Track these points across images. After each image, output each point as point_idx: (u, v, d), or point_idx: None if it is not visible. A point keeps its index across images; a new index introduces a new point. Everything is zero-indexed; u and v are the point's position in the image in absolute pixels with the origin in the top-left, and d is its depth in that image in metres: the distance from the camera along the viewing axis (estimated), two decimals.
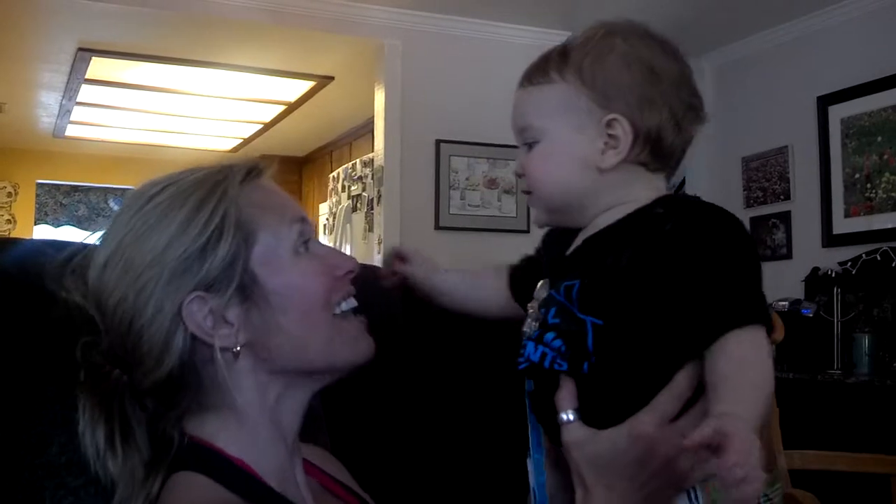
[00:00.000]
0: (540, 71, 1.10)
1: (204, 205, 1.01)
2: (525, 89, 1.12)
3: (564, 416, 1.01)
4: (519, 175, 1.14)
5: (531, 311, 1.11)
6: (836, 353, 4.34)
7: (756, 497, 0.82)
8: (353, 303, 1.11)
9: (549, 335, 1.04)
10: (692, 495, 0.98)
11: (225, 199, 1.02)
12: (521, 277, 1.25)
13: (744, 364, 0.91)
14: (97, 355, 1.03)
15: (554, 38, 5.18)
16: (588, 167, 1.07)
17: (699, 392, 0.97)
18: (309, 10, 4.74)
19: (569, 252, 1.09)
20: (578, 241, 1.10)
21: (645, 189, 1.08)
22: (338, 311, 1.08)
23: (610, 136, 1.06)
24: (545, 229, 1.20)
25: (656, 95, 1.06)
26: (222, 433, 1.02)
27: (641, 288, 0.98)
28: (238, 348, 1.02)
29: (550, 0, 4.77)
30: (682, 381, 0.98)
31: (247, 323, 1.02)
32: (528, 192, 1.13)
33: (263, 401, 1.04)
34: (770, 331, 0.96)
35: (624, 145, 1.05)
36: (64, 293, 1.03)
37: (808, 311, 4.33)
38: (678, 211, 1.03)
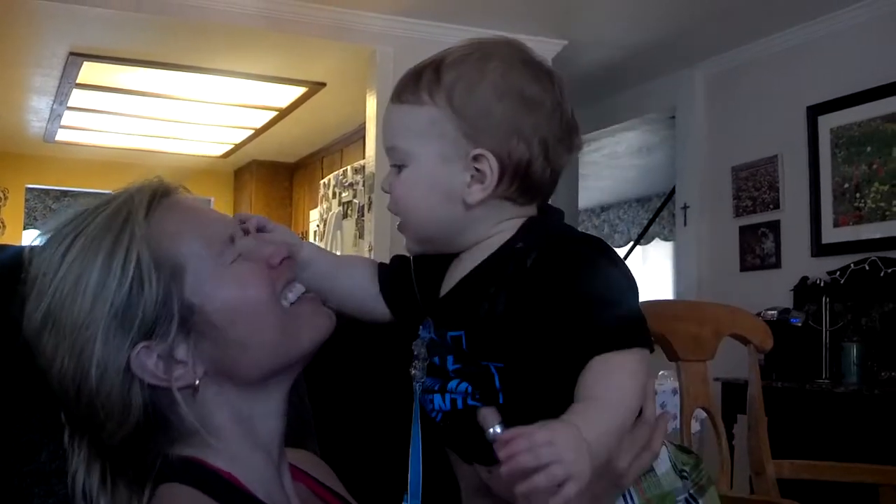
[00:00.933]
0: (411, 88, 1.05)
1: (115, 252, 0.97)
2: (395, 106, 1.07)
3: (492, 431, 0.98)
4: (385, 192, 1.09)
5: (416, 351, 1.09)
6: (825, 362, 4.35)
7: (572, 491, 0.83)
8: (299, 289, 1.09)
9: (453, 383, 1.04)
10: (627, 496, 1.00)
11: (134, 242, 0.98)
12: (391, 279, 1.20)
13: (599, 384, 0.92)
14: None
15: (546, 46, 5.21)
16: (453, 200, 1.04)
17: None
18: (301, 16, 4.74)
19: (444, 294, 1.08)
20: (451, 280, 1.08)
21: (512, 220, 1.06)
22: (285, 302, 1.06)
23: (477, 170, 1.02)
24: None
25: (527, 128, 1.02)
26: (203, 451, 1.01)
27: (522, 330, 0.98)
28: (197, 382, 1.00)
29: (543, 8, 4.79)
30: None
31: (199, 354, 1.00)
32: (399, 219, 1.09)
33: (237, 417, 1.03)
34: (651, 349, 0.97)
35: (490, 182, 1.02)
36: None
37: (797, 320, 4.35)
38: (537, 244, 1.02)
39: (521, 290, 0.99)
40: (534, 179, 1.04)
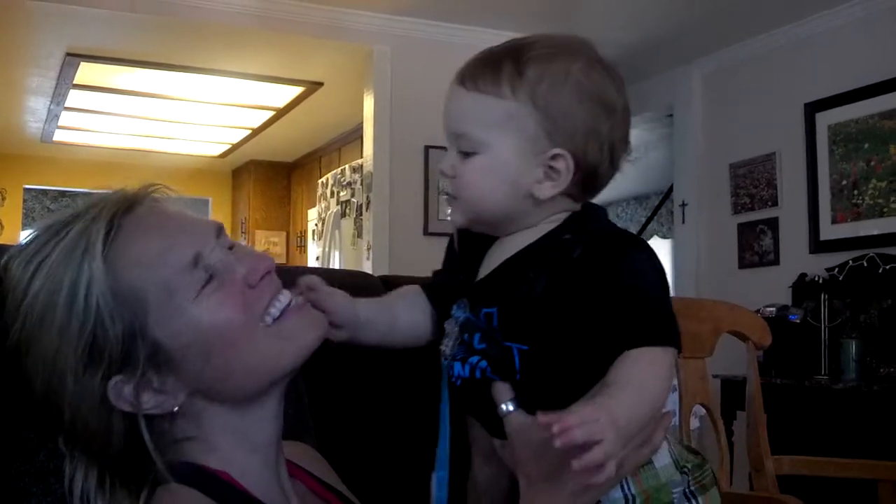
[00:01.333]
0: (491, 78, 1.05)
1: (76, 292, 0.94)
2: (469, 92, 1.06)
3: (504, 407, 1.03)
4: (447, 176, 1.09)
5: (448, 330, 1.10)
6: (824, 358, 4.36)
7: (610, 472, 0.87)
8: (284, 300, 1.04)
9: (474, 358, 1.06)
10: (625, 485, 1.02)
11: (93, 284, 0.94)
12: (441, 295, 1.18)
13: (632, 374, 0.95)
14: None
15: None
16: (522, 192, 1.06)
17: None
18: (298, 15, 4.74)
19: (485, 275, 1.10)
20: (493, 262, 1.10)
21: (561, 212, 1.09)
22: (268, 318, 1.01)
23: (551, 167, 1.04)
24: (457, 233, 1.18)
25: (603, 131, 1.05)
26: (200, 455, 1.01)
27: (556, 314, 1.01)
28: (176, 409, 0.99)
29: (540, 7, 4.79)
30: None
31: (177, 382, 0.98)
32: (450, 196, 1.10)
33: (230, 428, 1.02)
34: (679, 351, 1.00)
35: (564, 180, 1.05)
36: None
37: (796, 317, 4.35)
38: (585, 237, 1.04)
39: (564, 278, 1.01)
40: (598, 180, 1.08)
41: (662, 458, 1.05)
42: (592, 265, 1.00)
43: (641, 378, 0.96)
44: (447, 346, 1.09)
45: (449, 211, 1.13)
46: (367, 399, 1.58)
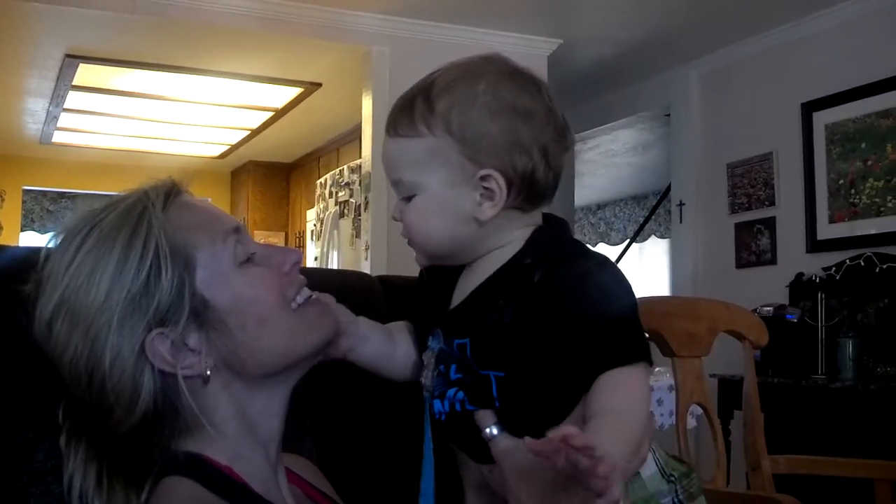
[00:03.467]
0: (406, 121, 1.08)
1: (133, 242, 1.00)
2: (393, 139, 1.09)
3: (489, 431, 1.04)
4: (395, 220, 1.12)
5: (426, 361, 1.13)
6: (821, 358, 4.37)
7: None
8: (306, 293, 1.11)
9: (451, 391, 1.07)
10: None
11: (152, 231, 1.00)
12: (420, 328, 1.21)
13: (619, 398, 0.95)
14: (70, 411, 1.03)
15: (541, 45, 5.21)
16: (466, 220, 1.07)
17: None
18: (297, 16, 4.74)
19: (456, 305, 1.11)
20: (463, 292, 1.11)
21: (522, 227, 1.10)
22: (294, 305, 1.08)
23: (485, 188, 1.05)
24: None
25: (526, 139, 1.06)
26: (206, 446, 1.03)
27: (526, 342, 1.01)
28: (208, 372, 1.02)
29: (538, 8, 4.79)
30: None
31: (210, 346, 1.02)
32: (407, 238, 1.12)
33: (240, 412, 1.05)
34: (650, 364, 1.00)
35: (500, 197, 1.05)
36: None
37: (793, 316, 4.36)
38: (545, 260, 1.04)
39: (528, 304, 1.02)
40: (539, 186, 1.08)
41: (648, 468, 1.06)
42: (553, 289, 1.01)
43: (622, 401, 0.95)
44: (426, 378, 1.11)
45: (414, 254, 1.15)
46: (364, 413, 1.59)
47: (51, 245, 1.04)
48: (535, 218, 1.11)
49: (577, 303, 0.99)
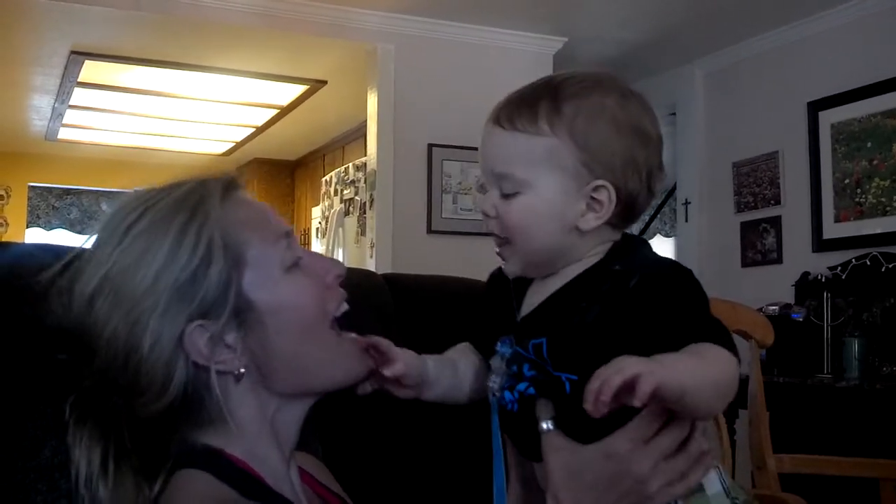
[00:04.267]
0: (528, 116, 1.06)
1: (187, 229, 0.99)
2: (508, 132, 1.07)
3: (544, 425, 1.04)
4: (489, 216, 1.10)
5: (494, 366, 1.11)
6: (826, 357, 4.36)
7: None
8: (345, 306, 1.11)
9: (522, 384, 1.08)
10: None
11: (208, 222, 1.00)
12: (485, 345, 1.20)
13: (700, 349, 0.96)
14: (92, 382, 1.03)
15: (547, 43, 5.22)
16: (568, 227, 1.07)
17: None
18: (302, 14, 4.75)
19: (531, 310, 1.11)
20: (538, 298, 1.11)
21: (602, 242, 1.10)
22: (331, 318, 1.08)
23: (593, 199, 1.06)
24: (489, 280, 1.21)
25: (640, 160, 1.07)
26: (224, 440, 1.03)
27: (609, 342, 1.00)
28: (242, 370, 1.02)
29: (544, 6, 4.79)
30: (657, 408, 0.99)
31: (245, 346, 1.02)
32: (501, 238, 1.10)
33: (263, 415, 1.06)
34: (738, 361, 1.00)
35: (606, 211, 1.06)
36: (51, 315, 1.02)
37: (799, 315, 4.35)
38: (638, 268, 1.05)
39: (620, 307, 1.01)
40: (637, 207, 1.10)
41: (714, 485, 1.05)
42: (650, 294, 1.01)
43: (709, 355, 0.96)
44: (494, 382, 1.11)
45: (503, 263, 1.13)
46: (371, 411, 1.59)
47: (99, 225, 1.04)
48: (616, 236, 1.12)
49: (674, 306, 1.01)
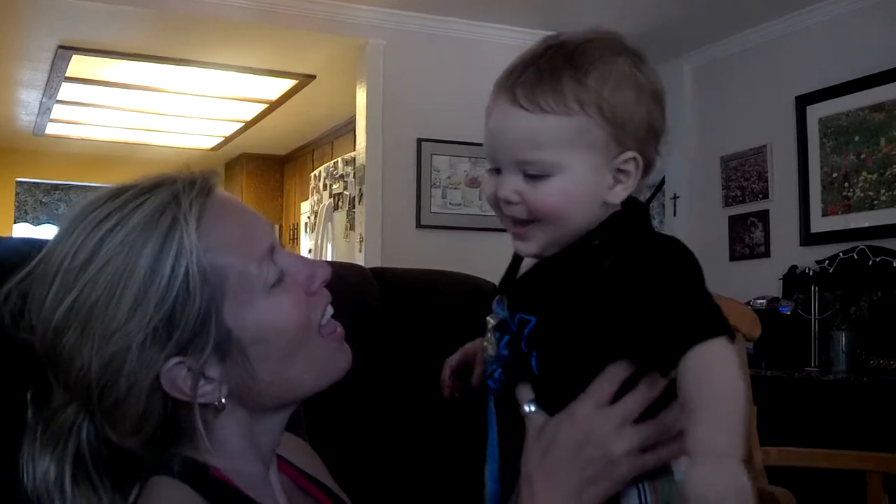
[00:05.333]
0: (553, 95, 0.98)
1: (161, 260, 0.91)
2: (532, 114, 0.98)
3: (526, 408, 1.01)
4: (512, 203, 1.01)
5: (488, 326, 1.08)
6: (814, 350, 4.38)
7: None
8: (330, 311, 1.05)
9: (497, 372, 1.05)
10: (641, 495, 0.98)
11: (183, 252, 0.91)
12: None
13: (711, 380, 0.88)
14: (54, 398, 0.96)
15: (536, 38, 5.18)
16: (597, 202, 1.01)
17: (669, 394, 0.98)
18: (291, 8, 4.74)
19: (520, 274, 1.08)
20: (530, 260, 1.07)
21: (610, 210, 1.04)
22: (317, 326, 1.03)
23: (619, 171, 1.01)
24: None
25: (658, 124, 1.03)
26: (201, 452, 0.97)
27: (590, 325, 0.97)
28: (223, 400, 0.96)
29: (532, 1, 4.79)
30: (617, 370, 0.98)
31: (226, 376, 0.96)
32: (522, 220, 1.03)
33: (242, 433, 1.01)
34: (732, 339, 0.93)
35: (634, 181, 1.01)
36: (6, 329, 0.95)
37: (786, 308, 4.37)
38: (616, 245, 0.99)
39: (595, 290, 0.96)
40: (650, 172, 1.04)
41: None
42: (626, 276, 0.95)
43: (720, 380, 0.88)
44: (486, 341, 1.08)
45: (520, 243, 1.05)
46: (359, 396, 1.59)
47: (61, 227, 0.96)
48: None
49: (652, 288, 0.93)
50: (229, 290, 0.94)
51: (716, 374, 0.88)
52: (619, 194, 1.01)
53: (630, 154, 1.00)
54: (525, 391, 1.02)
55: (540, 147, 0.98)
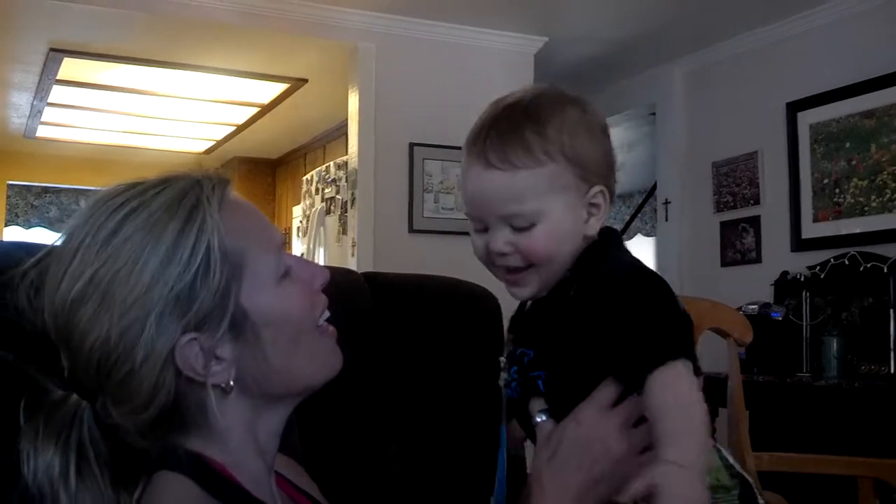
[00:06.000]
0: (522, 151, 1.07)
1: (185, 236, 0.94)
2: (506, 172, 1.08)
3: (537, 419, 1.11)
4: (505, 254, 1.11)
5: (503, 364, 1.18)
6: (805, 356, 4.38)
7: None
8: (327, 313, 1.10)
9: (514, 383, 1.15)
10: None
11: (206, 228, 0.95)
12: None
13: (670, 403, 0.96)
14: (56, 382, 0.98)
15: (527, 43, 5.22)
16: (579, 237, 1.12)
17: None
18: (283, 12, 4.73)
19: (527, 308, 1.19)
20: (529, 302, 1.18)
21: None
22: (319, 323, 1.07)
23: (591, 204, 1.11)
24: None
25: (612, 154, 1.14)
26: (205, 445, 1.00)
27: (570, 351, 1.07)
28: (231, 383, 0.98)
29: (524, 6, 4.79)
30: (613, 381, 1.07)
31: (236, 357, 0.98)
32: (516, 268, 1.12)
33: (246, 423, 1.03)
34: (694, 361, 1.01)
35: (605, 210, 1.12)
36: (20, 311, 0.97)
37: (778, 314, 4.37)
38: (581, 273, 1.10)
39: (564, 318, 1.08)
40: (612, 201, 1.15)
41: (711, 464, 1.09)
42: (587, 303, 1.05)
43: (678, 404, 0.96)
44: (501, 378, 1.18)
45: (516, 289, 1.15)
46: (351, 399, 1.58)
47: (80, 211, 0.98)
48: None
49: (612, 314, 1.02)
50: (246, 271, 0.98)
51: (675, 401, 0.96)
52: (594, 226, 1.13)
53: (598, 188, 1.12)
54: (537, 403, 1.11)
55: (521, 199, 1.08)
